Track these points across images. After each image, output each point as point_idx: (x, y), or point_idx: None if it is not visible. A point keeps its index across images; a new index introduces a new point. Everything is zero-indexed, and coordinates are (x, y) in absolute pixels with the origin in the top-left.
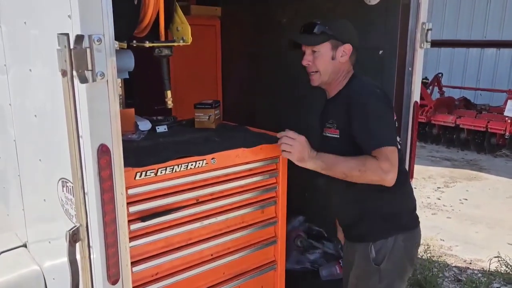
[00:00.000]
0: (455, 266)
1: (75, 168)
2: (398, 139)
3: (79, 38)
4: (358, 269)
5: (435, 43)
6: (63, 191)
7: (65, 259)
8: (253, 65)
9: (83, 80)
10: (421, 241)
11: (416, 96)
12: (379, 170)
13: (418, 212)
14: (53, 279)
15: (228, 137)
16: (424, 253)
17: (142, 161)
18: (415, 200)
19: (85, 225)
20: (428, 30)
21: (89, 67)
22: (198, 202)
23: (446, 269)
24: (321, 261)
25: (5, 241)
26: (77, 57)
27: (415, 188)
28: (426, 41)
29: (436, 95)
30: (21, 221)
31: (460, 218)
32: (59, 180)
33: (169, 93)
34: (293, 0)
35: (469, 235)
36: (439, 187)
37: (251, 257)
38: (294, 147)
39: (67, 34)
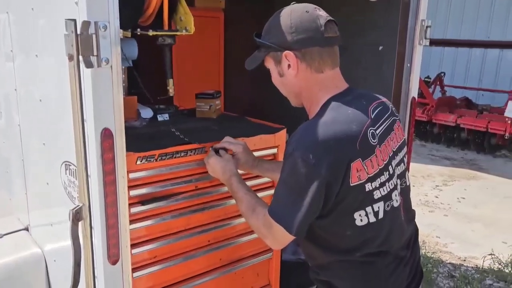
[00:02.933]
0: (449, 263)
1: (79, 150)
2: (364, 213)
3: (86, 24)
4: None
5: (439, 42)
6: (66, 174)
7: (66, 242)
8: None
9: (89, 65)
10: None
11: (414, 92)
12: (258, 232)
13: (415, 209)
14: (54, 261)
15: (228, 126)
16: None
17: (143, 146)
18: (393, 285)
19: (87, 205)
20: (427, 27)
21: (95, 53)
22: (197, 188)
23: (441, 265)
24: None
25: (7, 225)
26: (83, 43)
27: (413, 186)
28: (425, 38)
29: (438, 94)
30: (23, 205)
31: (457, 216)
32: (62, 163)
33: (171, 81)
34: None
35: (465, 233)
36: (438, 185)
37: (248, 244)
38: (207, 166)
39: (74, 20)
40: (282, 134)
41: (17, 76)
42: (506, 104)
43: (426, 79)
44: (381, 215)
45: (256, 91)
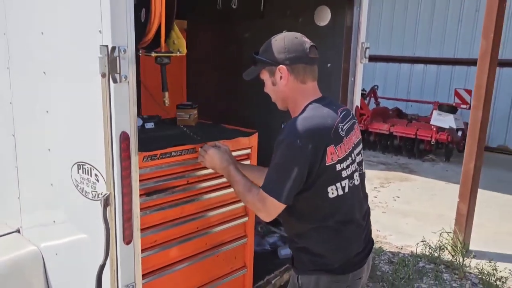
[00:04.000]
0: (389, 251)
1: (108, 149)
2: (334, 187)
3: (113, 49)
4: None
5: (372, 58)
6: (78, 173)
7: (70, 236)
8: (215, 73)
9: (114, 81)
10: None
11: (357, 102)
12: (254, 206)
13: None
14: (56, 254)
15: (209, 132)
16: None
17: (148, 147)
18: (350, 247)
19: (113, 193)
20: (366, 48)
21: (118, 71)
22: (189, 183)
23: (382, 253)
24: (279, 243)
25: None
26: (111, 63)
27: None
28: (365, 57)
29: (372, 105)
30: (14, 209)
31: (393, 212)
32: (74, 164)
33: (166, 94)
34: (253, 19)
35: (400, 226)
36: (376, 187)
37: (228, 231)
38: (205, 158)
39: (106, 46)
40: (255, 137)
41: (13, 91)
42: (431, 114)
43: (362, 92)
44: (346, 190)
45: (216, 102)
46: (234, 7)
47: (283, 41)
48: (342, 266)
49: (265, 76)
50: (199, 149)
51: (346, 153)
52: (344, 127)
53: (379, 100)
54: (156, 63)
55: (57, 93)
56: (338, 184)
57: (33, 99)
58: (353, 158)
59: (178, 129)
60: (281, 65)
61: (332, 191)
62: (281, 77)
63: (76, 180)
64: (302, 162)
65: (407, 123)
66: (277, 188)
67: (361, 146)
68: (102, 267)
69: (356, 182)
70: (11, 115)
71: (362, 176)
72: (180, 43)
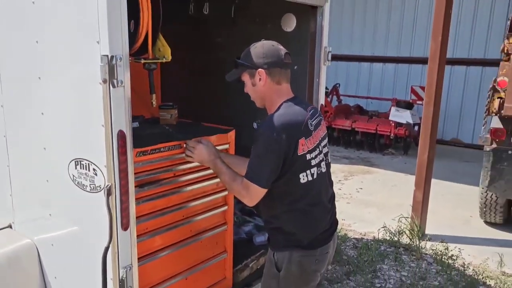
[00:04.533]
0: (353, 238)
1: (108, 145)
2: (305, 174)
3: (112, 58)
4: (266, 268)
5: (333, 58)
6: (76, 168)
7: (65, 228)
8: (188, 76)
9: (113, 85)
10: None
11: (321, 100)
12: (239, 194)
13: None
14: (52, 245)
15: (190, 129)
16: None
17: (139, 143)
18: (318, 226)
19: (113, 185)
20: (329, 52)
21: (115, 77)
22: (175, 176)
23: (347, 240)
24: (254, 231)
25: None
26: (111, 70)
27: None
28: (328, 60)
29: (335, 102)
30: (6, 206)
31: (357, 203)
32: (71, 161)
33: (153, 96)
34: (226, 24)
35: (363, 215)
36: (340, 180)
37: (210, 219)
38: (193, 153)
39: (107, 55)
40: (232, 133)
41: (4, 95)
42: (390, 110)
43: (325, 90)
44: (315, 176)
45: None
46: (206, 13)
47: (262, 48)
48: (311, 242)
49: (245, 78)
50: (186, 144)
51: (315, 145)
52: (313, 122)
53: (341, 97)
54: (145, 69)
55: (53, 97)
56: (308, 171)
57: (27, 102)
58: (320, 149)
59: (162, 127)
60: (260, 69)
61: (303, 177)
62: (260, 79)
63: (73, 175)
64: (278, 151)
65: (368, 119)
66: (258, 176)
67: (326, 139)
68: (106, 249)
69: (323, 170)
70: (2, 118)
71: (328, 166)
72: (165, 50)
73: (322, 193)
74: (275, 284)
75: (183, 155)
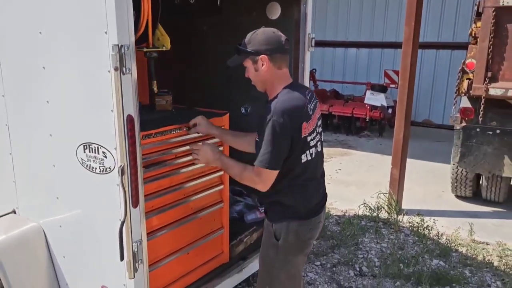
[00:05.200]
0: (335, 215)
1: (121, 129)
2: (305, 154)
3: (121, 47)
4: (264, 239)
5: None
6: (84, 152)
7: (71, 211)
8: (180, 64)
9: (123, 73)
10: None
11: (306, 84)
12: (251, 181)
13: None
14: (60, 226)
15: (186, 114)
16: None
17: (144, 127)
18: (313, 198)
19: (125, 165)
20: (312, 38)
21: (124, 65)
22: (176, 157)
23: (330, 217)
24: (245, 210)
25: None
26: (121, 59)
27: None
28: (311, 46)
29: (311, 87)
30: (9, 192)
31: (337, 183)
32: (79, 145)
33: (154, 82)
34: (212, 13)
35: (344, 194)
36: None
37: (208, 197)
38: (199, 155)
39: (118, 45)
40: (227, 117)
41: (5, 84)
42: (364, 93)
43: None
44: (313, 155)
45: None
46: (192, 2)
47: (263, 35)
48: (306, 213)
49: (248, 64)
50: (191, 148)
51: (313, 127)
52: (311, 106)
53: (318, 83)
54: (146, 57)
55: (59, 85)
56: (308, 152)
57: (30, 92)
58: (317, 130)
59: (160, 113)
60: (263, 55)
61: (304, 157)
62: (262, 65)
63: (82, 159)
64: (286, 135)
65: (344, 103)
66: (270, 160)
67: (320, 120)
68: (122, 223)
69: (319, 149)
70: (4, 107)
71: (321, 144)
72: (164, 40)
73: (317, 169)
74: (274, 252)
75: (184, 137)
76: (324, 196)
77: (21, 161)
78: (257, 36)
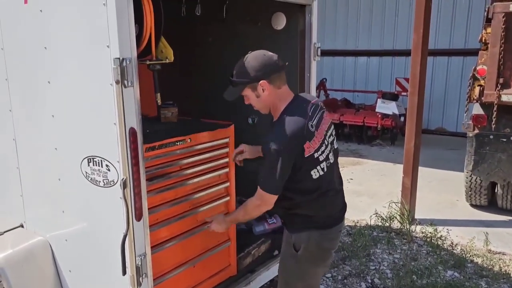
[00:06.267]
0: (347, 225)
1: (123, 142)
2: (316, 170)
3: (123, 60)
4: (283, 249)
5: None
6: (89, 165)
7: (78, 224)
8: (185, 75)
9: (125, 86)
10: None
11: (313, 94)
12: (257, 208)
13: None
14: (66, 240)
15: (192, 126)
16: None
17: (148, 139)
18: (332, 208)
19: (127, 178)
20: (318, 48)
21: (126, 78)
22: (181, 169)
23: None
24: (253, 222)
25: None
26: (122, 72)
27: None
28: (317, 55)
29: (322, 97)
30: (17, 206)
31: (348, 192)
32: (84, 158)
33: (158, 95)
34: (216, 24)
35: (355, 203)
36: None
37: (214, 209)
38: (212, 227)
39: (119, 58)
40: (232, 128)
41: (12, 100)
42: (376, 102)
43: None
44: (325, 170)
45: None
46: (198, 14)
47: (256, 60)
48: (327, 223)
49: (247, 92)
50: (208, 226)
51: (320, 142)
52: (313, 123)
53: (328, 92)
54: (149, 69)
55: (63, 99)
56: (318, 167)
57: (36, 106)
58: (327, 142)
59: (165, 124)
60: (262, 80)
61: (315, 173)
62: (263, 90)
63: (86, 172)
64: (286, 161)
65: (355, 112)
66: (270, 185)
67: (332, 127)
68: (125, 236)
69: (331, 161)
70: (11, 122)
71: (335, 152)
72: (167, 52)
73: (333, 180)
74: (294, 263)
75: (188, 149)
76: (344, 205)
77: (28, 175)
78: (249, 64)
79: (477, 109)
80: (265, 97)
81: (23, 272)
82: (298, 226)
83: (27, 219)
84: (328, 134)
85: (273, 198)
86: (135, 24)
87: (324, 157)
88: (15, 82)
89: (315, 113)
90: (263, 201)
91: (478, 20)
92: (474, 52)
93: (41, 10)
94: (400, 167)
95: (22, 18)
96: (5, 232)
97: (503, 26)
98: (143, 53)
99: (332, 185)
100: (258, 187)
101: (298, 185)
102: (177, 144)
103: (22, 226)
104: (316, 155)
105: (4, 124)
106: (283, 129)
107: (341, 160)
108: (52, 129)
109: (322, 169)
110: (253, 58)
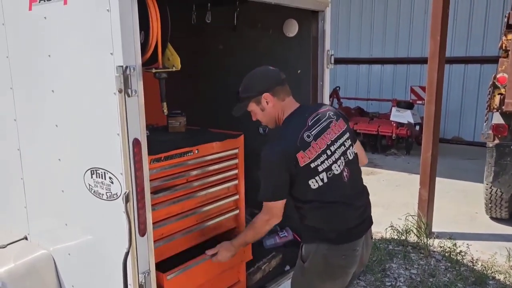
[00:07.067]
0: None
1: (126, 153)
2: (314, 180)
3: (126, 68)
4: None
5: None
6: (92, 177)
7: (81, 237)
8: (195, 83)
9: (128, 95)
10: None
11: (326, 102)
12: (265, 223)
13: None
14: (69, 254)
15: (200, 136)
16: None
17: (153, 151)
18: (342, 222)
19: (131, 191)
20: (331, 55)
21: (130, 87)
22: (188, 181)
23: None
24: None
25: (3, 238)
26: (126, 80)
27: None
28: (331, 63)
29: (335, 105)
30: (21, 218)
31: None
32: (87, 170)
33: (164, 104)
34: (227, 31)
35: None
36: None
37: (222, 223)
38: (219, 258)
39: (122, 66)
40: (241, 138)
41: (17, 109)
42: (390, 110)
43: None
44: (325, 180)
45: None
46: (208, 21)
47: (258, 75)
48: (337, 238)
49: (253, 107)
50: (214, 258)
51: (318, 152)
52: (312, 133)
53: (342, 100)
54: (155, 78)
55: (67, 109)
56: (317, 178)
57: (40, 115)
58: (331, 152)
59: (172, 135)
60: (265, 93)
61: (313, 184)
62: (267, 102)
63: (89, 185)
64: (279, 170)
65: (369, 121)
66: (269, 192)
67: (345, 136)
68: (127, 254)
69: (337, 172)
70: (16, 132)
71: (349, 163)
72: (174, 59)
73: (339, 192)
74: (300, 275)
75: (195, 161)
76: (365, 220)
77: (32, 186)
78: (252, 80)
79: (497, 119)
80: (270, 109)
81: (25, 287)
82: (308, 237)
83: (31, 231)
84: (337, 144)
85: (278, 207)
86: (141, 31)
87: (325, 167)
88: (20, 90)
89: (317, 123)
90: (271, 213)
91: (496, 26)
92: (492, 60)
93: (45, 17)
94: (415, 177)
95: (26, 25)
96: (8, 244)
97: None
98: (149, 61)
99: (341, 198)
100: (261, 201)
101: (297, 195)
102: (184, 156)
103: (26, 238)
104: (313, 165)
105: (9, 133)
106: (274, 139)
107: None
108: (56, 139)
109: (322, 180)
110: (256, 74)
